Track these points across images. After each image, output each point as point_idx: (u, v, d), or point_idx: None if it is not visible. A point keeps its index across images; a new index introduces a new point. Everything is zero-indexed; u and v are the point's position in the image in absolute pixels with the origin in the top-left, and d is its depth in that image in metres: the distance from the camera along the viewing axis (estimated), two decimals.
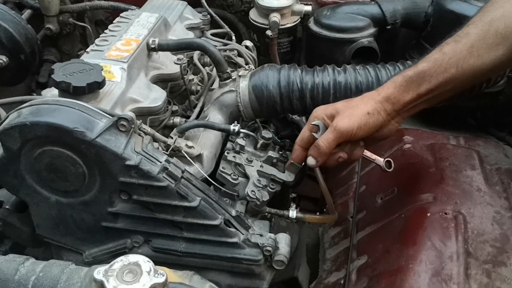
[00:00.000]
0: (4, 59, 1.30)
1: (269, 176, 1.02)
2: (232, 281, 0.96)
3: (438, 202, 0.97)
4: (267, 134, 1.08)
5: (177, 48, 1.13)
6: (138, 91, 1.01)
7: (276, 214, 1.01)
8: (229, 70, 1.10)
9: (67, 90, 0.88)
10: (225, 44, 1.29)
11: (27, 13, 1.50)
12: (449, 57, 0.89)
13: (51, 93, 0.96)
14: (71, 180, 0.88)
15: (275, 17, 1.40)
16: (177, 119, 1.07)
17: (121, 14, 1.22)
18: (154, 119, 1.02)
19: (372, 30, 1.36)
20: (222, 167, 1.02)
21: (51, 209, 0.92)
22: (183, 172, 0.88)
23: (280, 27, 1.41)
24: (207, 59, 1.21)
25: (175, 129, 1.02)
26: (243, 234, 0.92)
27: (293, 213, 1.01)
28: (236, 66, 1.20)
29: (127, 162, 0.83)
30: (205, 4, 1.43)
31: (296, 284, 1.15)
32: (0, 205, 1.01)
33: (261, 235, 0.93)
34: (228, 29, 1.44)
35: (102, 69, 0.93)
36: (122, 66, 1.00)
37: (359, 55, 1.34)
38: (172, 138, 0.97)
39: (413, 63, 0.97)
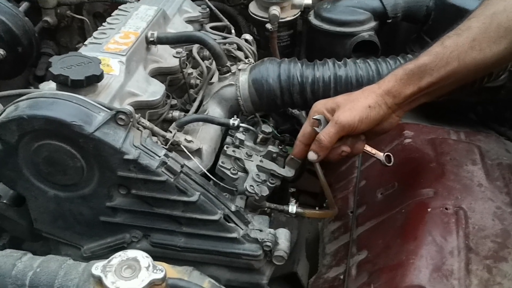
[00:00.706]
0: (2, 52, 1.29)
1: (269, 171, 1.01)
2: (231, 276, 0.96)
3: (439, 197, 0.96)
4: (267, 128, 1.08)
5: (176, 41, 1.12)
6: (136, 84, 1.00)
7: (276, 209, 1.01)
8: (228, 63, 1.09)
9: (65, 83, 0.87)
10: (225, 38, 1.28)
11: (24, 5, 1.49)
12: (450, 50, 0.88)
13: (49, 86, 0.95)
14: (69, 174, 0.87)
15: (275, 10, 1.39)
16: (176, 113, 1.07)
17: (119, 7, 1.21)
18: (153, 113, 1.01)
19: (372, 24, 1.36)
20: (222, 162, 1.01)
21: (49, 203, 0.92)
22: (182, 166, 0.88)
23: (280, 20, 1.40)
24: (206, 52, 1.20)
25: (174, 123, 1.01)
26: (242, 229, 0.92)
27: (293, 208, 1.00)
28: (236, 59, 1.19)
29: (126, 156, 0.83)
30: None
31: (295, 279, 1.15)
32: None
33: (260, 230, 0.92)
34: (228, 22, 1.43)
35: (100, 62, 0.92)
36: (120, 59, 0.99)
37: (360, 49, 1.34)
38: (171, 132, 0.97)
39: (414, 56, 0.96)
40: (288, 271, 1.14)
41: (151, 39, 1.08)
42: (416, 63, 0.90)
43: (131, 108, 0.87)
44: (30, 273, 0.67)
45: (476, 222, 0.92)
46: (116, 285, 0.61)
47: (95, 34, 1.08)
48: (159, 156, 0.85)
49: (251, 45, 1.29)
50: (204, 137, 1.03)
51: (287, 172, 1.02)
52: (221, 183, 1.00)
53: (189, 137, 0.98)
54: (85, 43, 1.07)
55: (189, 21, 1.33)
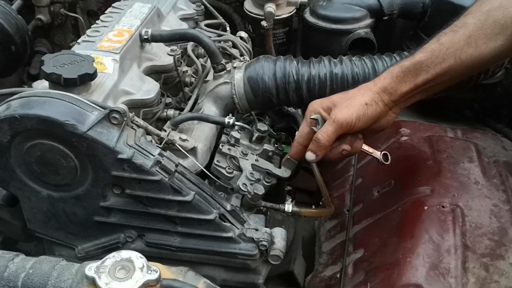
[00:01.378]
0: None
1: (264, 170, 1.01)
2: (227, 276, 0.95)
3: (436, 195, 0.96)
4: (262, 127, 1.07)
5: (170, 39, 1.11)
6: (130, 83, 0.99)
7: (272, 208, 1.00)
8: (223, 61, 1.09)
9: (57, 82, 0.87)
10: (220, 35, 1.28)
11: (17, 3, 1.48)
12: (446, 47, 0.88)
13: (42, 85, 0.94)
14: (62, 174, 0.86)
15: (270, 7, 1.38)
16: (170, 112, 1.06)
17: (113, 4, 1.21)
18: (147, 111, 1.01)
19: (369, 21, 1.35)
20: (217, 161, 1.00)
21: (43, 203, 0.91)
22: (176, 165, 0.87)
23: (276, 17, 1.39)
24: (201, 50, 1.20)
25: (168, 121, 1.00)
26: (238, 228, 0.91)
27: (289, 207, 1.00)
28: (231, 57, 1.18)
29: (120, 156, 0.82)
30: None
31: (292, 278, 1.14)
32: None
33: (256, 230, 0.92)
34: (223, 20, 1.42)
35: (93, 61, 0.91)
36: (114, 57, 0.99)
37: (356, 46, 1.33)
38: (165, 131, 0.96)
39: (410, 53, 0.96)
40: (285, 270, 1.13)
41: (145, 37, 1.08)
42: (412, 60, 0.90)
43: (125, 107, 0.86)
44: (22, 275, 0.66)
45: (473, 220, 0.92)
46: (110, 286, 0.61)
47: (88, 32, 1.08)
48: (154, 155, 0.84)
49: (246, 42, 1.28)
50: (199, 136, 1.03)
51: (283, 172, 1.01)
52: (218, 181, 0.99)
53: (184, 136, 0.97)
54: (78, 41, 1.06)
55: (184, 19, 1.32)
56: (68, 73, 0.86)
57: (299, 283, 1.13)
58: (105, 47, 1.01)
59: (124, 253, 0.64)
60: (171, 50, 1.10)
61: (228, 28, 1.39)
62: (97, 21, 1.13)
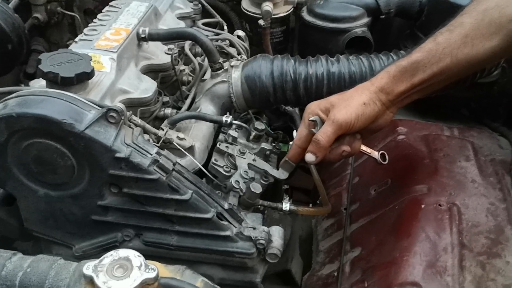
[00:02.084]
0: None
1: (261, 171, 1.00)
2: (224, 274, 0.95)
3: (432, 194, 0.96)
4: (260, 125, 1.07)
5: (168, 37, 1.11)
6: (128, 81, 0.99)
7: (269, 207, 1.00)
8: (221, 60, 1.09)
9: (55, 81, 0.86)
10: (217, 34, 1.27)
11: (14, 2, 1.47)
12: (443, 47, 0.88)
13: (39, 84, 0.94)
14: (59, 173, 0.86)
15: (267, 6, 1.38)
16: (168, 110, 1.06)
17: (110, 3, 1.20)
18: (145, 110, 1.00)
19: (366, 20, 1.35)
20: (215, 159, 1.00)
21: (40, 202, 0.90)
22: (174, 164, 0.87)
23: (273, 16, 1.39)
24: (198, 49, 1.19)
25: (166, 120, 1.00)
26: (235, 227, 0.91)
27: (286, 205, 1.00)
28: (228, 56, 1.18)
29: (117, 155, 0.82)
30: None
31: (289, 277, 1.14)
32: None
33: (254, 228, 0.92)
34: (220, 19, 1.41)
35: (91, 59, 0.91)
36: (111, 56, 0.98)
37: (353, 45, 1.33)
38: (163, 129, 0.96)
39: (407, 53, 0.96)
40: (282, 269, 1.13)
41: (143, 35, 1.07)
42: (409, 59, 0.90)
43: (122, 106, 0.86)
44: (20, 274, 0.66)
45: (469, 218, 0.92)
46: (108, 285, 0.60)
47: (85, 30, 1.07)
48: (151, 154, 0.84)
49: (243, 41, 1.28)
50: (197, 135, 1.02)
51: (281, 174, 1.00)
52: (215, 180, 0.99)
53: (181, 135, 0.97)
54: (75, 40, 1.05)
55: (181, 18, 1.31)
56: (66, 72, 0.86)
57: (296, 282, 1.13)
58: (102, 46, 1.01)
59: (122, 252, 0.64)
60: (169, 49, 1.10)
61: (225, 27, 1.38)
62: (94, 20, 1.12)
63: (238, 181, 0.95)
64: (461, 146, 1.09)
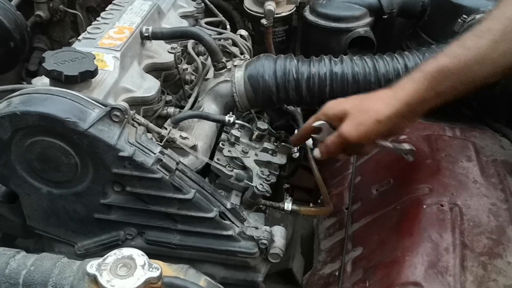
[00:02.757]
0: None
1: (265, 162, 1.02)
2: (227, 273, 0.96)
3: (434, 194, 0.96)
4: (262, 125, 1.07)
5: (171, 36, 1.11)
6: (131, 80, 0.99)
7: (271, 206, 1.01)
8: (224, 59, 1.09)
9: (58, 79, 0.86)
10: (220, 33, 1.27)
11: None
12: (473, 53, 0.84)
13: (42, 81, 0.94)
14: (63, 171, 0.86)
15: (270, 5, 1.37)
16: (171, 109, 1.06)
17: (113, 1, 1.20)
18: (148, 109, 1.01)
19: (368, 20, 1.35)
20: (217, 159, 1.00)
21: (43, 200, 0.91)
22: (177, 163, 0.87)
23: (275, 15, 1.39)
24: (201, 48, 1.19)
25: (169, 119, 1.00)
26: (238, 226, 0.91)
27: (288, 205, 1.00)
28: (231, 55, 1.18)
29: (121, 153, 0.82)
30: None
31: (290, 276, 1.15)
32: None
33: (256, 228, 0.92)
34: (223, 18, 1.42)
35: (94, 58, 0.91)
36: (115, 54, 0.99)
37: (355, 45, 1.33)
38: (166, 128, 0.96)
39: (429, 56, 0.92)
40: (283, 268, 1.13)
41: (146, 34, 1.07)
42: (435, 65, 0.85)
43: (125, 104, 0.86)
44: (23, 272, 0.66)
45: (471, 218, 0.92)
46: (112, 283, 0.61)
47: (89, 29, 1.07)
48: (154, 153, 0.84)
49: (246, 40, 1.28)
50: (200, 134, 1.03)
51: (281, 159, 1.04)
52: (223, 175, 0.99)
53: (184, 134, 0.97)
54: (79, 38, 1.06)
55: (184, 16, 1.32)
56: (69, 70, 0.86)
57: (297, 281, 1.13)
58: (106, 44, 1.01)
59: (126, 251, 0.64)
60: (172, 48, 1.10)
61: (228, 26, 1.38)
62: (97, 18, 1.12)
63: (262, 184, 0.96)
64: (463, 147, 1.09)
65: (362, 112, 0.88)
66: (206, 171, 1.01)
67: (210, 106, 1.07)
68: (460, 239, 0.88)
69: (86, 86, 0.90)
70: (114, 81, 0.94)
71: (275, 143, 1.07)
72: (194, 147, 0.98)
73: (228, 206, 0.91)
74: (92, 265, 0.62)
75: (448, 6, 1.22)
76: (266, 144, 1.05)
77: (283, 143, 1.09)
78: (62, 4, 1.57)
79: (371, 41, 1.34)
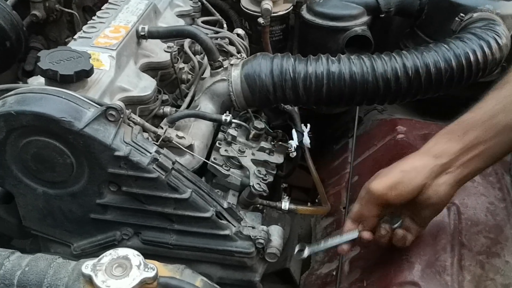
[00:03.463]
0: None
1: (262, 162, 1.01)
2: (223, 273, 0.95)
3: None
4: (259, 124, 1.07)
5: (167, 35, 1.10)
6: (127, 79, 0.98)
7: (269, 206, 1.00)
8: (220, 58, 1.08)
9: (54, 78, 0.86)
10: (217, 32, 1.27)
11: None
12: None
13: (38, 81, 0.93)
14: (58, 171, 0.86)
15: (267, 4, 1.37)
16: (167, 109, 1.05)
17: (109, 0, 1.19)
18: (144, 108, 1.00)
19: (365, 19, 1.34)
20: (214, 158, 1.00)
21: (38, 200, 0.90)
22: (173, 163, 0.86)
23: (272, 14, 1.39)
24: (198, 47, 1.19)
25: (165, 119, 1.00)
26: (235, 226, 0.91)
27: (285, 205, 1.00)
28: (228, 54, 1.18)
29: (116, 153, 0.81)
30: None
31: (288, 275, 1.14)
32: None
33: (253, 228, 0.92)
34: (220, 17, 1.41)
35: (90, 57, 0.90)
36: (110, 53, 0.98)
37: (353, 44, 1.33)
38: (162, 128, 0.95)
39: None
40: (281, 267, 1.13)
41: (142, 33, 1.07)
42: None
43: (121, 104, 0.85)
44: (18, 273, 0.65)
45: (469, 217, 0.92)
46: (107, 284, 0.60)
47: (84, 28, 1.07)
48: (150, 153, 0.84)
49: (243, 39, 1.28)
50: (196, 133, 1.02)
51: (278, 158, 1.03)
52: (221, 174, 0.99)
53: (180, 133, 0.97)
54: (74, 37, 1.05)
55: (181, 15, 1.31)
56: (65, 69, 0.86)
57: (295, 281, 1.13)
58: (101, 44, 1.00)
59: (121, 251, 0.64)
60: (168, 47, 1.09)
61: (225, 25, 1.38)
62: (93, 17, 1.12)
63: (259, 184, 0.95)
64: None
65: None
66: (202, 170, 1.00)
67: (206, 105, 1.06)
68: (458, 238, 0.88)
69: (81, 86, 0.89)
70: (110, 80, 0.94)
71: (272, 143, 1.07)
72: (190, 147, 0.97)
73: (225, 205, 0.91)
74: (87, 266, 0.62)
75: (445, 5, 1.22)
76: (263, 144, 1.04)
77: (280, 142, 1.08)
78: (58, 4, 1.56)
79: (369, 40, 1.33)
